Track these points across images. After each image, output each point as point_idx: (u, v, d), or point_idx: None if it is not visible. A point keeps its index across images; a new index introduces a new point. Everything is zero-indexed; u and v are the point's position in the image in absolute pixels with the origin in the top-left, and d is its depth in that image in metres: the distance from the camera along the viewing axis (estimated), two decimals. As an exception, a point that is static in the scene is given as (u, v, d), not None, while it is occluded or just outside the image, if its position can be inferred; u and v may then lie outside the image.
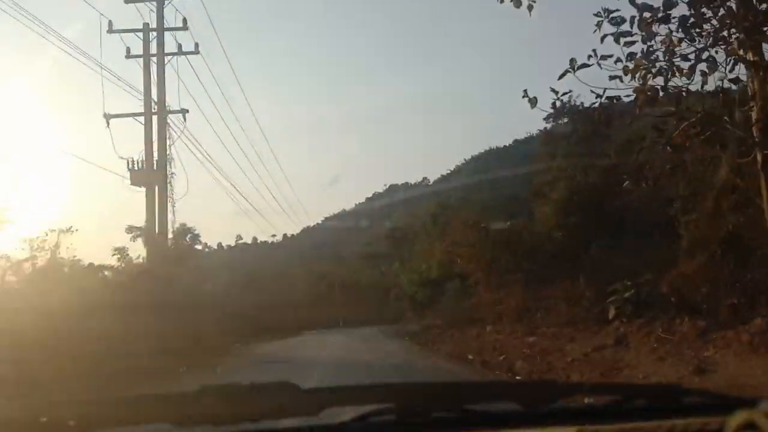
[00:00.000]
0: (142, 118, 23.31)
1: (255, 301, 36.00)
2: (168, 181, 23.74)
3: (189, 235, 34.75)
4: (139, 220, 24.69)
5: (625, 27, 7.77)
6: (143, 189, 23.46)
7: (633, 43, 7.83)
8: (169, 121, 23.85)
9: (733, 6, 7.67)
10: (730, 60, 8.02)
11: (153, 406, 1.60)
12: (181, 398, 1.58)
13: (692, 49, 7.88)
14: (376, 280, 50.62)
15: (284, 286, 51.31)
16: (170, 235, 30.46)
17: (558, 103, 9.21)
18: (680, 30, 7.78)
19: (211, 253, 61.82)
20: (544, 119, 21.93)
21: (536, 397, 1.62)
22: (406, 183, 71.93)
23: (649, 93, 7.94)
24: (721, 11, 7.71)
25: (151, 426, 1.48)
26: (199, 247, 34.79)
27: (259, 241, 69.05)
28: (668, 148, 8.82)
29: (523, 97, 8.57)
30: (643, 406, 1.63)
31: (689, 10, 7.76)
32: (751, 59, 7.87)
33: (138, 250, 31.72)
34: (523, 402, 1.57)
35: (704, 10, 7.76)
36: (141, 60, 22.90)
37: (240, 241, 68.87)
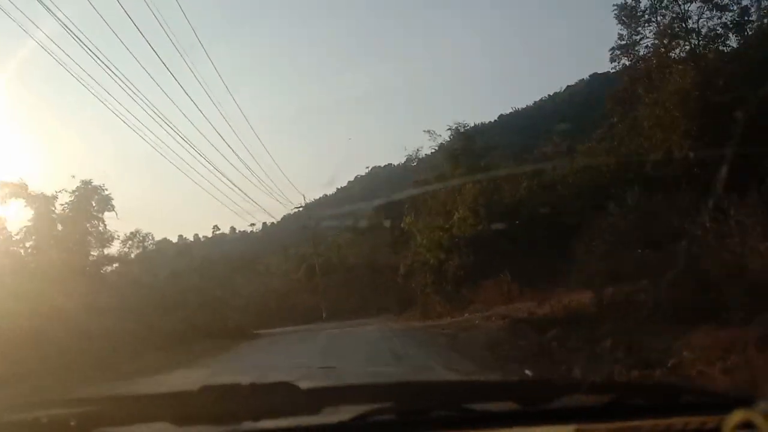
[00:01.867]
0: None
1: (203, 297, 27.23)
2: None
3: (96, 197, 24.36)
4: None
5: None
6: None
7: None
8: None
9: None
10: None
11: (153, 405, 1.60)
12: (182, 398, 1.58)
13: None
14: (368, 258, 39.64)
15: (252, 275, 43.38)
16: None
17: None
18: None
19: (188, 244, 59.63)
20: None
21: (535, 396, 1.62)
22: (389, 164, 69.59)
23: None
24: None
25: (151, 425, 1.48)
26: (110, 214, 24.88)
27: (237, 231, 66.34)
28: None
29: None
30: (641, 405, 1.64)
31: None
32: None
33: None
34: (522, 401, 1.58)
35: None
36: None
37: (217, 232, 65.55)
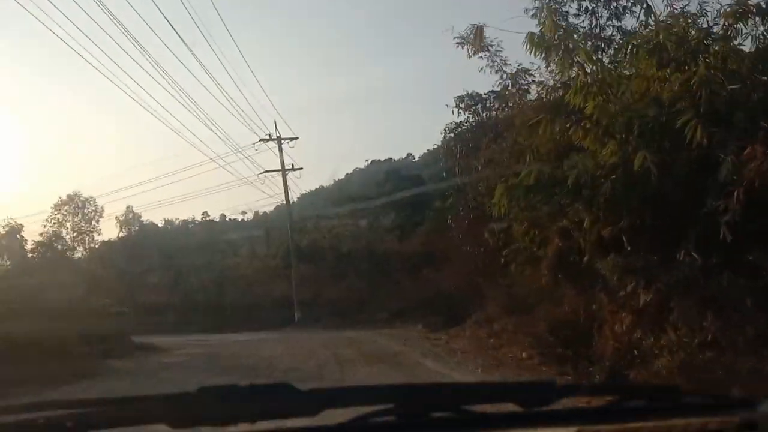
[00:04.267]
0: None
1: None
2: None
3: None
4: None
5: None
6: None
7: None
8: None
9: None
10: None
11: (151, 407, 1.59)
12: (179, 399, 1.57)
13: None
14: (372, 242, 30.67)
15: (215, 264, 34.31)
16: None
17: None
18: None
19: (172, 229, 56.36)
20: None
21: (535, 397, 1.62)
22: (390, 159, 68.13)
23: None
24: None
25: (148, 427, 1.47)
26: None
27: (228, 218, 63.82)
28: None
29: None
30: (643, 406, 1.63)
31: None
32: None
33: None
34: (523, 402, 1.57)
35: None
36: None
37: (207, 218, 62.41)
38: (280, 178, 29.83)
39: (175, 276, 30.37)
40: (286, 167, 29.61)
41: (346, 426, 1.49)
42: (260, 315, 25.82)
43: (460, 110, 19.98)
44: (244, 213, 57.90)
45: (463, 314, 15.58)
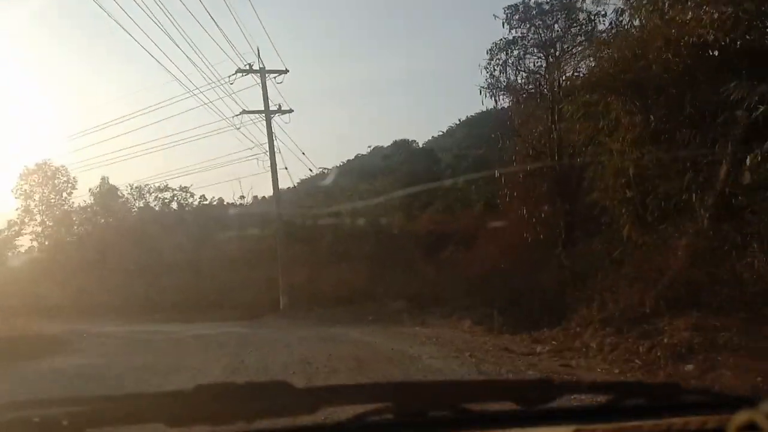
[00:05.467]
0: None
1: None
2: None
3: None
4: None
5: None
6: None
7: None
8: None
9: None
10: None
11: (147, 405, 1.58)
12: (176, 398, 1.57)
13: None
14: (380, 219, 25.38)
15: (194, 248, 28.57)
16: None
17: None
18: None
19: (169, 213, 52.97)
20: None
21: (534, 396, 1.61)
22: (394, 142, 67.84)
23: None
24: None
25: (145, 426, 1.46)
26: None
27: (225, 202, 62.05)
28: None
29: None
30: (641, 405, 1.63)
31: None
32: None
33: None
34: (521, 401, 1.57)
35: None
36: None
37: (204, 202, 60.14)
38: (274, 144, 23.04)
39: (146, 256, 26.66)
40: (278, 111, 22.53)
41: (344, 424, 1.48)
42: (241, 301, 22.04)
43: (512, 25, 16.25)
44: (242, 197, 57.20)
45: (537, 305, 10.37)
